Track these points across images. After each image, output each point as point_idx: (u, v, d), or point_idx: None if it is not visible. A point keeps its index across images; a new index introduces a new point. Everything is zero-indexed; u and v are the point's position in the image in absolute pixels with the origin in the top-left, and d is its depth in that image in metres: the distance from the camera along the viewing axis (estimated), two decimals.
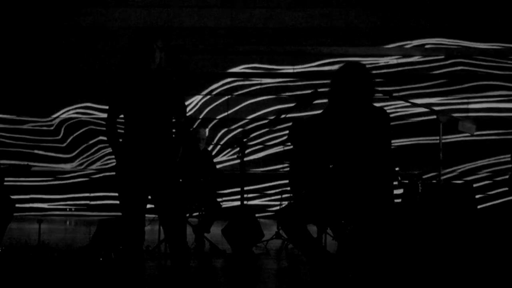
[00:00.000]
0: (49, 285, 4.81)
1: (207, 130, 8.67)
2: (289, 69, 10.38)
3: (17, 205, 5.96)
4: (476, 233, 5.34)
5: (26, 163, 6.26)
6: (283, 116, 4.11)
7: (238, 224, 6.18)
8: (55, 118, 10.43)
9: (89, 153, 10.43)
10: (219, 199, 7.00)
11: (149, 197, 3.81)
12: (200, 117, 10.39)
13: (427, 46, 10.35)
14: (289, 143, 7.44)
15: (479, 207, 7.84)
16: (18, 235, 7.08)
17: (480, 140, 10.03)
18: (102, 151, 10.36)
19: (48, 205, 10.33)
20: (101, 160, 10.38)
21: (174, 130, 3.87)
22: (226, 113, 10.40)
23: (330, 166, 3.90)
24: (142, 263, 3.83)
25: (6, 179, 6.15)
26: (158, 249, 6.09)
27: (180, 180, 3.90)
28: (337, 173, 3.85)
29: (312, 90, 4.04)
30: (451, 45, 10.31)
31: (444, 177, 9.96)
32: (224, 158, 10.29)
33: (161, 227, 5.42)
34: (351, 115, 3.89)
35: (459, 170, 10.21)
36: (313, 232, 3.98)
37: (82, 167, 10.40)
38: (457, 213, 5.55)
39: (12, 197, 6.00)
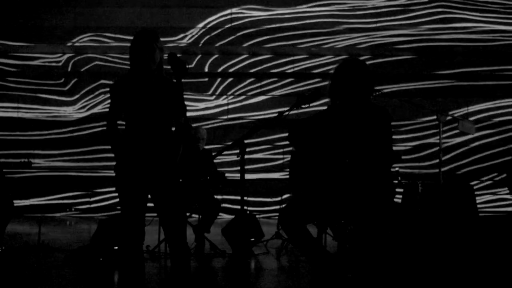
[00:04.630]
0: (49, 285, 4.81)
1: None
2: (281, 9, 10.26)
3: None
4: (476, 233, 5.34)
5: (27, 160, 6.24)
6: (285, 113, 4.11)
7: (238, 224, 6.18)
8: (61, 56, 10.39)
9: (91, 96, 10.46)
10: (219, 197, 6.97)
11: (149, 196, 3.81)
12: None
13: None
14: (290, 145, 7.43)
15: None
16: (18, 235, 7.09)
17: None
18: (103, 95, 10.34)
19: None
20: (102, 104, 10.34)
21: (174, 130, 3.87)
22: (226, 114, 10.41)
23: (331, 165, 3.89)
24: (142, 263, 3.83)
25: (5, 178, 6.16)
26: (158, 249, 6.09)
27: (180, 180, 3.89)
28: (338, 172, 3.84)
29: (313, 90, 4.03)
30: None
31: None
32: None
33: (161, 227, 5.42)
34: (351, 113, 3.87)
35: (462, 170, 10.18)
36: (313, 232, 3.98)
37: (84, 110, 10.43)
38: (457, 213, 5.55)
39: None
